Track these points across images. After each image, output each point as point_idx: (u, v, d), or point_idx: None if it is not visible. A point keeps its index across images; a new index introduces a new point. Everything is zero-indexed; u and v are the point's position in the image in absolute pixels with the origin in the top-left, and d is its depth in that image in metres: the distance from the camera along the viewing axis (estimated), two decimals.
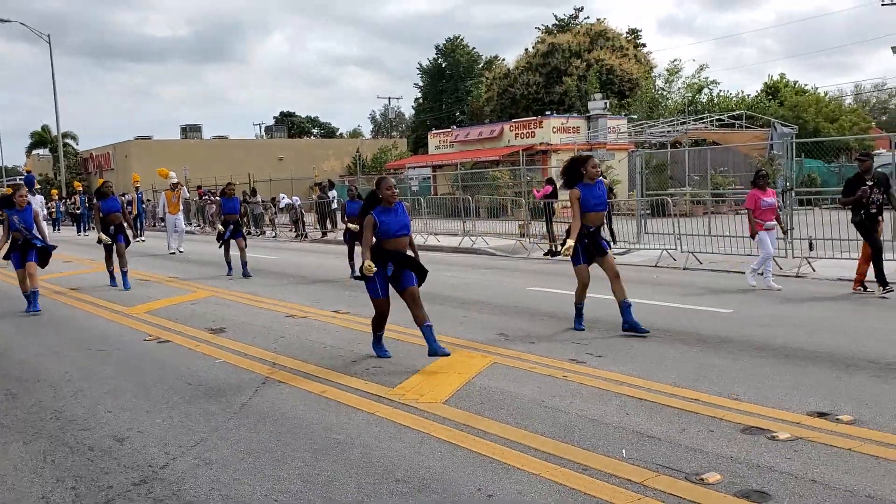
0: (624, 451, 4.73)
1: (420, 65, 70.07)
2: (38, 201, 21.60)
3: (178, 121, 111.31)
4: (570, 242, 8.17)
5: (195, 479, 4.58)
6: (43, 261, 11.30)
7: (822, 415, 5.27)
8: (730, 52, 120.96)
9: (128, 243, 13.98)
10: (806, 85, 49.70)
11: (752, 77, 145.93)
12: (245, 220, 19.27)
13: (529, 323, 9.15)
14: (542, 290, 11.96)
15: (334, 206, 28.62)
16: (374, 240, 7.08)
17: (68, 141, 56.51)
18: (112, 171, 51.20)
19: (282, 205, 29.39)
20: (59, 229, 36.30)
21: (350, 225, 14.25)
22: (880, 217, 11.25)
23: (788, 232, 16.39)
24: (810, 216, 15.56)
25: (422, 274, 7.31)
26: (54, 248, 11.64)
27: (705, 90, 43.93)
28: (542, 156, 36.66)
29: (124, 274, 13.52)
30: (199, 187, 36.28)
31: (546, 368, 6.81)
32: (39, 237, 11.22)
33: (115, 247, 13.58)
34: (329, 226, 27.97)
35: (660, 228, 17.67)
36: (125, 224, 13.99)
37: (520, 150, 36.79)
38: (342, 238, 15.17)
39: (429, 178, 39.56)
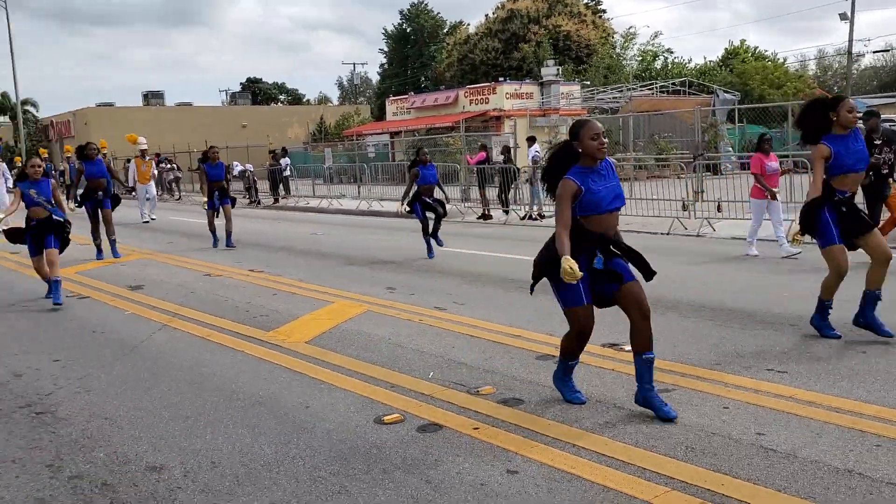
0: (431, 373, 5.71)
1: (385, 30, 70.18)
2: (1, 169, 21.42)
3: (143, 87, 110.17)
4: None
5: (72, 402, 5.49)
6: (63, 245, 9.47)
7: (612, 345, 6.28)
8: (703, 15, 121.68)
9: (113, 207, 12.94)
10: (766, 51, 50.88)
11: (724, 41, 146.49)
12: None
13: (420, 278, 10.11)
14: (452, 251, 12.89)
15: (286, 172, 29.34)
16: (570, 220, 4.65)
17: (28, 108, 56.36)
18: (72, 139, 51.28)
19: (235, 172, 30.00)
20: None
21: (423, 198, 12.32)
22: (892, 178, 10.55)
23: (698, 195, 17.54)
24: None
25: (647, 270, 4.85)
26: (69, 225, 9.63)
27: (659, 57, 44.81)
28: (495, 122, 37.52)
29: (112, 243, 12.95)
30: (156, 154, 36.72)
31: (409, 315, 7.77)
32: (61, 212, 9.41)
33: (101, 213, 12.73)
34: (282, 192, 28.70)
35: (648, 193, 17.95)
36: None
37: (472, 115, 37.71)
38: (409, 211, 12.53)
39: (386, 144, 40.28)
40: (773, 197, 11.20)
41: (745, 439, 4.25)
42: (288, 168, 29.60)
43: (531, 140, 19.43)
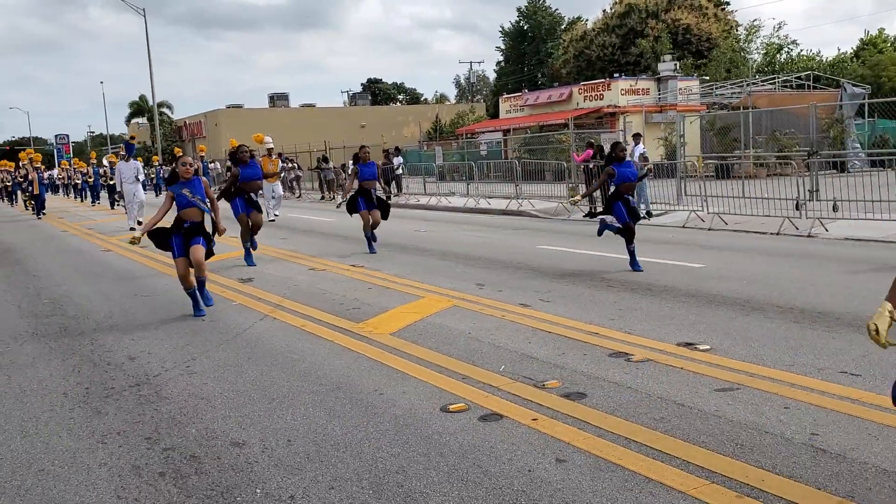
0: (503, 367, 5.94)
1: (502, 27, 70.44)
2: (134, 167, 21.51)
3: (270, 89, 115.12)
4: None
5: (175, 383, 6.05)
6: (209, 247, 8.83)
7: (687, 345, 6.32)
8: (843, 3, 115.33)
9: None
10: None
11: (864, 30, 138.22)
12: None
13: (511, 275, 10.33)
14: (548, 248, 13.03)
15: (398, 171, 30.12)
16: None
17: (164, 110, 60.02)
18: (203, 139, 54.24)
19: (349, 171, 30.97)
20: (159, 195, 39.23)
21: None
22: None
23: (813, 193, 16.94)
24: (882, 177, 15.58)
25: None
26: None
27: (784, 50, 43.07)
28: (610, 118, 37.12)
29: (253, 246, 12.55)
30: (279, 154, 38.37)
31: (493, 311, 8.02)
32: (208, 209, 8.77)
33: (250, 218, 12.24)
34: (395, 191, 29.46)
35: (718, 191, 17.63)
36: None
37: (586, 112, 37.42)
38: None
39: (500, 142, 40.54)
40: None
41: (797, 439, 4.28)
42: (400, 167, 30.36)
43: (637, 137, 19.23)
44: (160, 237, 8.74)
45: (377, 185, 13.70)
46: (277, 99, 62.33)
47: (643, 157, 18.31)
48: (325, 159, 32.59)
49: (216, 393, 5.72)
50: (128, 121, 68.10)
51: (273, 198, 21.79)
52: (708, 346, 6.25)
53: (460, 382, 5.63)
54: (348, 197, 13.56)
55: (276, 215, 21.67)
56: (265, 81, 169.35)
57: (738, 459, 4.05)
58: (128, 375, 6.35)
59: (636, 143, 18.80)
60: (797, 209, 15.85)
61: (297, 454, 4.47)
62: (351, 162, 15.15)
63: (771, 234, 14.55)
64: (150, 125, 55.74)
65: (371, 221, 13.21)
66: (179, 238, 8.55)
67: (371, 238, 13.31)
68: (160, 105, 55.49)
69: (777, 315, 7.28)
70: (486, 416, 4.91)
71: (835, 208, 15.90)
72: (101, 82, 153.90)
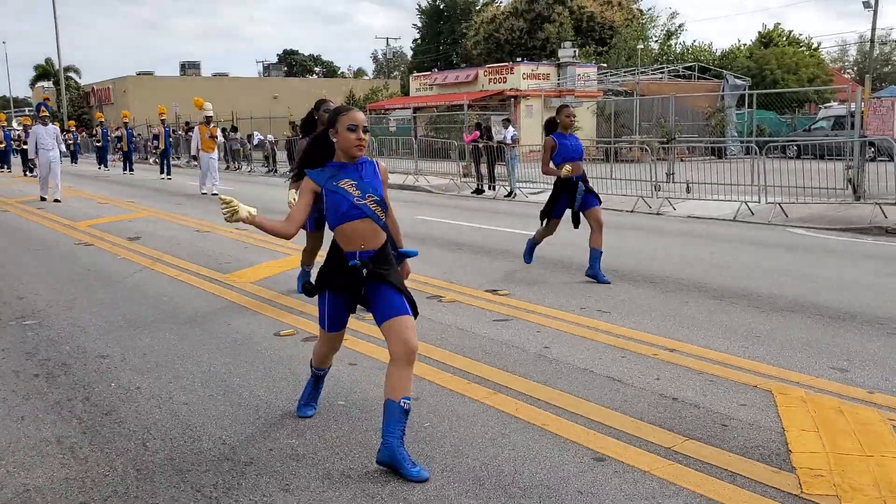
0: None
1: (419, 5, 71.26)
2: (53, 131, 19.05)
3: (185, 56, 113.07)
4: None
5: (57, 316, 7.10)
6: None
7: (493, 291, 7.72)
8: None
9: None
10: (800, 35, 51.08)
11: (773, 21, 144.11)
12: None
13: None
14: (426, 219, 14.35)
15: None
16: None
17: (71, 74, 58.75)
18: (111, 106, 53.53)
19: (255, 141, 31.72)
20: (76, 162, 38.94)
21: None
22: None
23: (669, 176, 18.81)
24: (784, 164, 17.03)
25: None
26: None
27: (677, 40, 45.46)
28: (512, 101, 38.70)
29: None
30: (186, 123, 38.60)
31: None
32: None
33: None
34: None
35: (593, 173, 19.07)
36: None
37: (490, 94, 38.93)
38: None
39: (410, 119, 41.70)
40: None
41: (532, 350, 5.69)
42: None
43: (506, 122, 20.64)
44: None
45: None
46: (189, 67, 61.87)
47: (514, 140, 19.75)
48: (234, 129, 33.15)
49: (91, 323, 6.80)
50: (32, 84, 66.31)
51: (208, 171, 19.78)
52: (507, 292, 7.67)
53: (296, 316, 6.87)
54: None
55: (213, 193, 19.01)
56: (181, 49, 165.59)
57: (490, 366, 5.41)
58: (14, 310, 7.35)
59: (506, 128, 20.19)
60: (656, 190, 17.63)
61: (148, 362, 5.63)
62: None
63: (626, 211, 16.21)
64: (55, 89, 54.70)
65: None
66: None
67: None
68: (67, 69, 54.49)
69: (561, 269, 8.76)
70: (309, 338, 6.16)
71: (688, 189, 17.74)
72: (3, 42, 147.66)
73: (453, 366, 5.40)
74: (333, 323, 4.12)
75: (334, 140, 3.87)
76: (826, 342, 5.89)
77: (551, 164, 8.41)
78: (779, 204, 14.78)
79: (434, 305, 7.20)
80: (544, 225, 8.71)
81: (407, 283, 4.17)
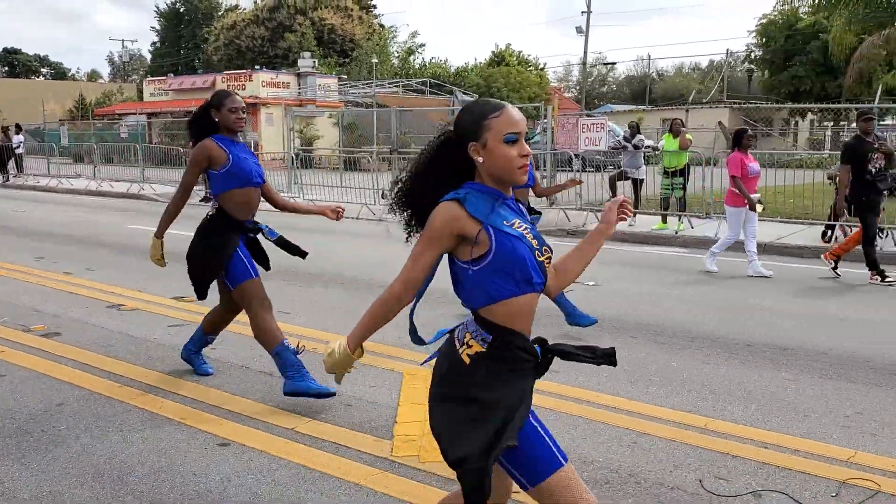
0: (4, 318, 6.96)
1: (157, 7, 68.35)
2: None
3: None
4: None
5: None
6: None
7: (179, 298, 7.84)
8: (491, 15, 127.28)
9: None
10: (529, 55, 55.14)
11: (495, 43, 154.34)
12: None
13: (77, 250, 11.20)
14: (137, 228, 13.97)
15: (19, 150, 28.63)
16: None
17: None
18: None
19: None
20: None
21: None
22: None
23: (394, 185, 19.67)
24: None
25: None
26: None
27: (416, 56, 47.52)
28: (252, 109, 38.36)
29: None
30: None
31: (42, 278, 8.92)
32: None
33: None
34: (14, 170, 28.01)
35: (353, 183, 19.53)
36: None
37: None
38: None
39: (144, 125, 39.87)
40: (753, 207, 9.36)
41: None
42: (21, 146, 28.89)
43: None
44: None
45: None
46: None
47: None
48: None
49: None
50: None
51: None
52: (193, 298, 7.81)
53: None
54: None
55: None
56: None
57: (148, 369, 5.56)
58: None
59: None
60: (384, 197, 18.42)
61: None
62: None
63: (353, 218, 16.83)
64: None
65: None
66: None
67: None
68: None
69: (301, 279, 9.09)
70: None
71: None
72: None
73: (107, 370, 5.49)
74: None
75: (478, 160, 2.37)
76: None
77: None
78: None
79: (112, 314, 7.19)
80: None
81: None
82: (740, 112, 33.90)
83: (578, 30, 48.84)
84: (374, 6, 58.14)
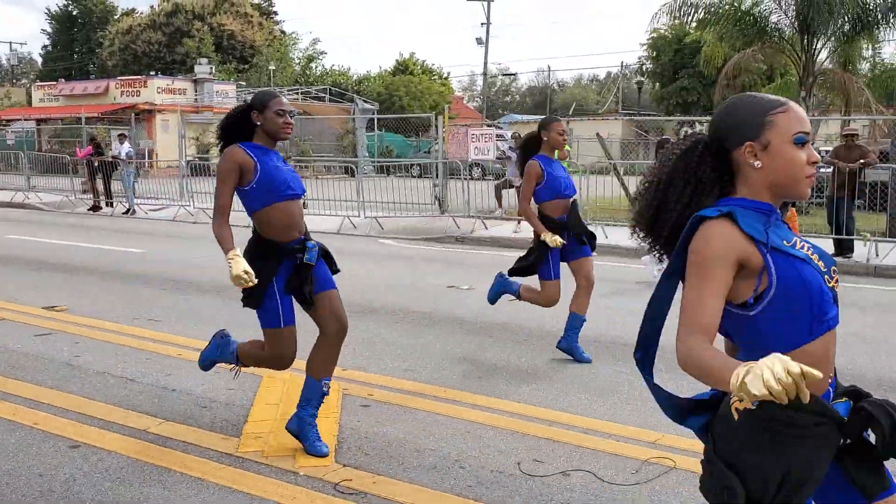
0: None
1: (48, 10, 65.88)
2: None
3: None
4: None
5: None
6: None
7: (51, 307, 7.82)
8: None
9: None
10: (433, 64, 55.70)
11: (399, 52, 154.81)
12: None
13: None
14: (14, 238, 13.66)
15: None
16: None
17: None
18: None
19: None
20: None
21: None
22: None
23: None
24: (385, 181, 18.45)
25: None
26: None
27: (316, 63, 47.45)
28: (147, 115, 37.53)
29: None
30: None
31: None
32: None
33: None
34: None
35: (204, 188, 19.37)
36: None
37: (123, 107, 37.40)
38: None
39: (32, 131, 38.49)
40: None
41: (59, 359, 6.00)
42: None
43: (122, 137, 20.20)
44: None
45: None
46: None
47: (129, 156, 19.42)
48: None
49: None
50: None
51: None
52: (65, 307, 7.83)
53: None
54: None
55: None
56: None
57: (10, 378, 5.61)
58: None
59: (121, 143, 19.79)
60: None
61: None
62: None
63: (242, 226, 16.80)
64: None
65: None
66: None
67: None
68: None
69: (144, 283, 9.15)
70: None
71: (304, 206, 18.80)
72: None
73: None
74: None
75: (754, 164, 1.93)
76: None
77: (533, 205, 6.02)
78: (376, 218, 16.38)
79: None
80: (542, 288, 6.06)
81: None
82: (631, 123, 35.35)
83: (479, 41, 49.84)
84: (276, 13, 57.75)
